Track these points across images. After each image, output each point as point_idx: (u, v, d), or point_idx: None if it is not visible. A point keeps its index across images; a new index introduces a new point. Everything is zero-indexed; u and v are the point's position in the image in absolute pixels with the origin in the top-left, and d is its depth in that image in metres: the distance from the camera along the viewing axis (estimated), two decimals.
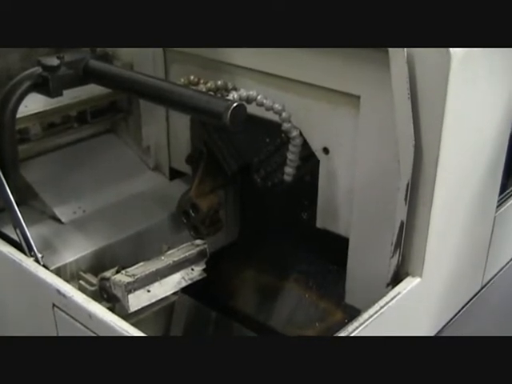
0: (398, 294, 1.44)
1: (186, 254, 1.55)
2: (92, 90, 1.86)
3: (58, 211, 1.79)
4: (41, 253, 1.53)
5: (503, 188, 1.74)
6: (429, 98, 1.31)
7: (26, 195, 1.79)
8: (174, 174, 2.02)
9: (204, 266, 1.57)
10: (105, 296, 1.53)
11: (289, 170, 1.62)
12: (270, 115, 1.54)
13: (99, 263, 1.70)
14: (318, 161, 1.58)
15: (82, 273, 1.65)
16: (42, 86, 1.58)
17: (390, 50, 1.26)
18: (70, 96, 1.81)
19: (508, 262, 1.99)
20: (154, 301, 1.50)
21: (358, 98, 1.41)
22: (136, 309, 1.47)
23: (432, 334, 1.67)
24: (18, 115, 1.62)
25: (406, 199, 1.38)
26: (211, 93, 1.56)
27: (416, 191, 1.40)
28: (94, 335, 1.36)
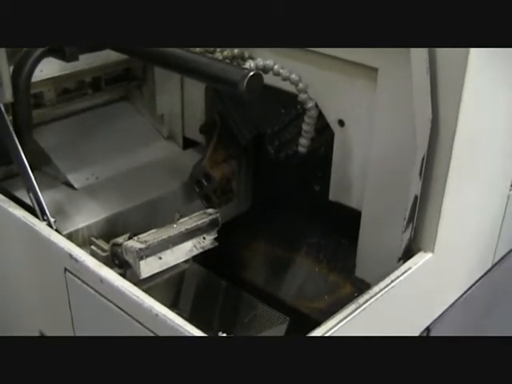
0: (409, 268, 1.44)
1: (198, 223, 1.55)
2: (107, 56, 1.86)
3: (71, 177, 1.79)
4: (53, 217, 1.54)
5: None
6: (448, 72, 1.30)
7: (40, 160, 1.79)
8: (188, 143, 2.02)
9: (216, 235, 1.57)
10: (116, 262, 1.54)
11: (303, 142, 1.61)
12: (286, 86, 1.53)
13: (111, 230, 1.71)
14: (333, 133, 1.57)
15: (93, 238, 1.66)
16: (57, 50, 1.58)
17: None
18: (85, 62, 1.80)
19: None
20: (165, 268, 1.50)
21: (376, 70, 1.40)
22: (147, 275, 1.48)
23: (441, 311, 1.68)
24: (33, 79, 1.61)
25: (420, 174, 1.38)
26: (227, 61, 1.55)
27: (431, 166, 1.39)
28: (104, 300, 1.37)
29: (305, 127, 1.59)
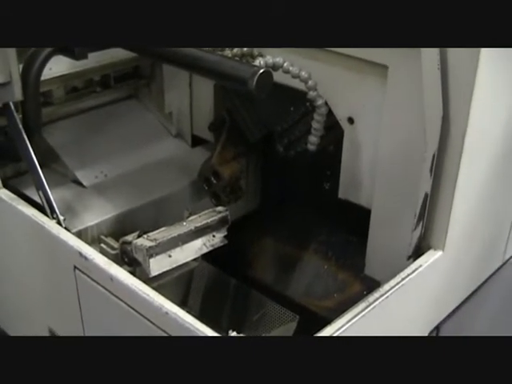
0: (420, 266, 1.43)
1: (208, 221, 1.55)
2: (116, 54, 1.86)
3: (80, 175, 1.79)
4: (63, 215, 1.54)
5: None
6: (458, 71, 1.29)
7: (49, 158, 1.80)
8: (196, 141, 2.02)
9: (225, 233, 1.57)
10: (126, 260, 1.54)
11: (313, 139, 1.60)
12: (296, 83, 1.52)
13: (120, 228, 1.71)
14: (343, 131, 1.56)
15: (103, 237, 1.66)
16: (66, 48, 1.58)
17: None
18: (94, 60, 1.81)
19: None
20: (174, 266, 1.50)
21: (386, 67, 1.39)
22: (157, 273, 1.48)
23: (451, 309, 1.67)
24: (42, 78, 1.61)
25: (431, 171, 1.37)
26: (237, 59, 1.54)
27: (441, 163, 1.39)
28: (114, 298, 1.37)
29: (314, 125, 1.58)
